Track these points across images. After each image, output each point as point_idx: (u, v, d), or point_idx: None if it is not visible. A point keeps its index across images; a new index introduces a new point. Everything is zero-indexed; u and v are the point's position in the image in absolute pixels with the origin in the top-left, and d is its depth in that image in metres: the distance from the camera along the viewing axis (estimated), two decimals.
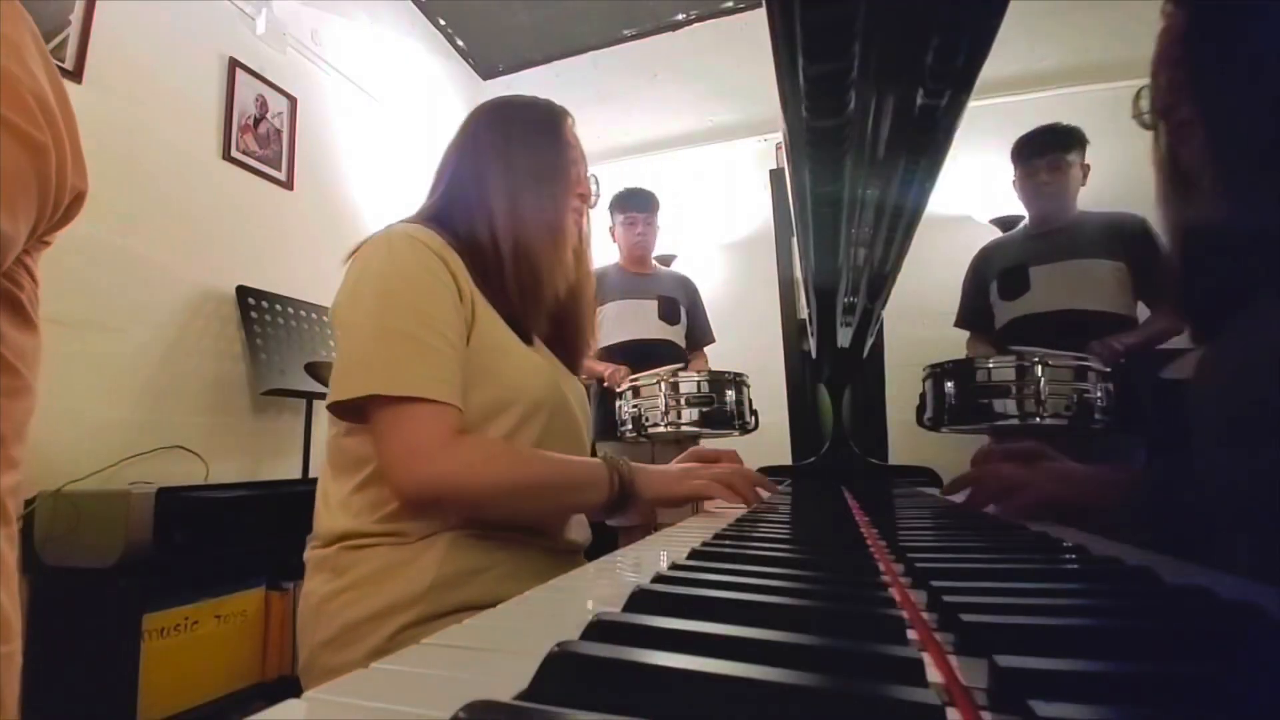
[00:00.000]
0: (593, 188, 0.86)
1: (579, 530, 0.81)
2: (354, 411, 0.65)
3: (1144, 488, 0.60)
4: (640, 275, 2.30)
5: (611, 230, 2.33)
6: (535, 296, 0.76)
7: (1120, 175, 2.38)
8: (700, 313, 2.38)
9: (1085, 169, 1.88)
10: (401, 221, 0.74)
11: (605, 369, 2.05)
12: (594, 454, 0.96)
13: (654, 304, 2.25)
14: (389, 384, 0.62)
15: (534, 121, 0.81)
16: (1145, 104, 0.59)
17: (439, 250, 0.69)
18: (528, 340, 0.77)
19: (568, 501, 0.72)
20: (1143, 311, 1.82)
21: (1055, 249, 1.84)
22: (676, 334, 2.28)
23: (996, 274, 1.96)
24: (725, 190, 3.06)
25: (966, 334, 2.09)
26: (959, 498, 0.77)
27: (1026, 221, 1.98)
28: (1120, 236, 1.79)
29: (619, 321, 2.22)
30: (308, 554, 0.71)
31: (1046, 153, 1.85)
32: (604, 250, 2.42)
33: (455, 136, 0.82)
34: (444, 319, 0.66)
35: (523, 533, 0.72)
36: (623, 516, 0.75)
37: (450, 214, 0.76)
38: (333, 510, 0.69)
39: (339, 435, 0.71)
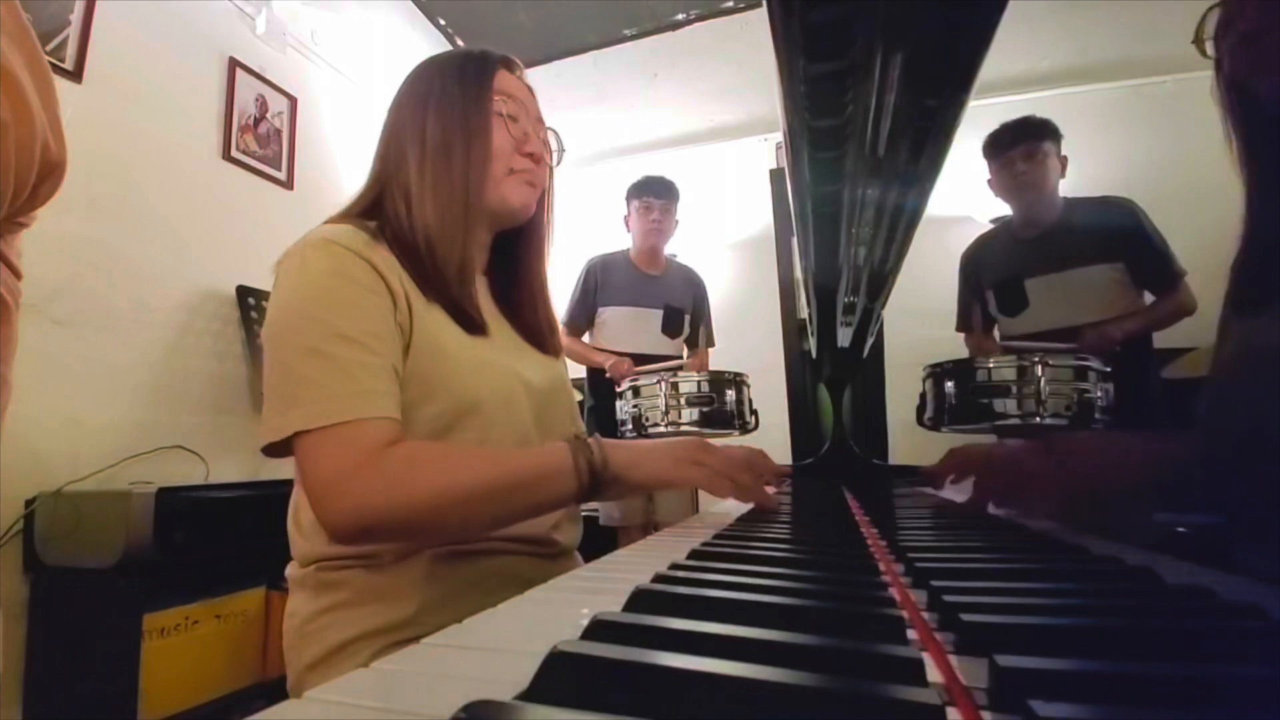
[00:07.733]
0: (552, 143, 0.77)
1: (567, 531, 0.76)
2: (287, 448, 0.57)
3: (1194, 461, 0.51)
4: (649, 275, 2.23)
5: (626, 219, 2.26)
6: (452, 282, 0.67)
7: (1120, 174, 2.39)
8: (705, 317, 2.33)
9: (1063, 160, 1.79)
10: (328, 220, 0.67)
11: (606, 360, 2.03)
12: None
13: (659, 315, 2.19)
14: (305, 418, 0.55)
15: (453, 80, 0.70)
16: (1209, 30, 0.52)
17: (360, 249, 0.61)
18: (480, 330, 0.69)
19: (526, 500, 0.60)
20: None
21: (1048, 258, 1.75)
22: (676, 347, 2.24)
23: (991, 285, 1.90)
24: (725, 190, 3.06)
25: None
26: (954, 493, 0.72)
27: (1011, 219, 1.88)
28: (1110, 231, 1.71)
29: (620, 332, 2.17)
30: (289, 571, 0.69)
31: (1020, 142, 1.76)
32: (618, 241, 2.35)
33: (388, 110, 0.73)
34: (363, 325, 0.58)
35: (506, 541, 0.68)
36: (612, 500, 0.69)
37: (382, 199, 0.69)
38: (305, 533, 0.66)
39: None
